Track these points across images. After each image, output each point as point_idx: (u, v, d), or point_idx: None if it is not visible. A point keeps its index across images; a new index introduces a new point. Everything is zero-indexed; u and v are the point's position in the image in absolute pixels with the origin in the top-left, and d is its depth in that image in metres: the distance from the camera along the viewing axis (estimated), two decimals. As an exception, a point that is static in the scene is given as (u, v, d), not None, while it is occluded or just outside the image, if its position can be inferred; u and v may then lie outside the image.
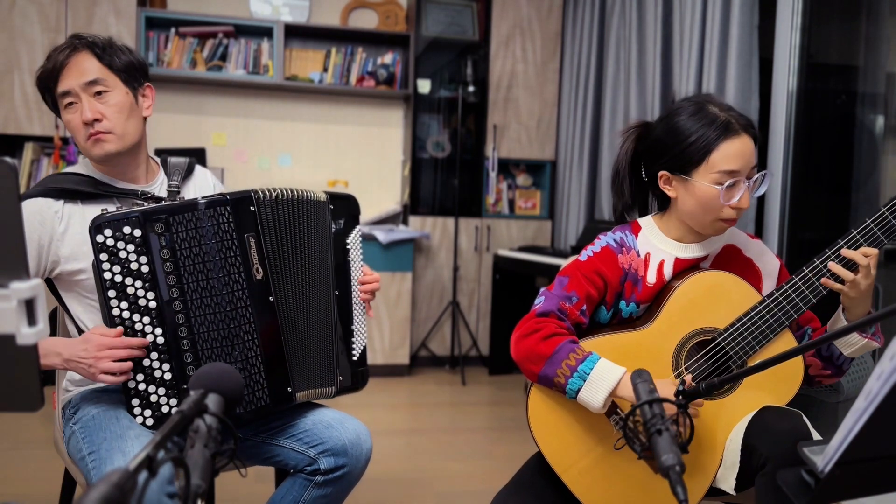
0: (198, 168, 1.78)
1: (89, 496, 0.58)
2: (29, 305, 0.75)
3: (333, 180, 4.67)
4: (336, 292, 1.65)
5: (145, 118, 1.63)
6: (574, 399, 1.37)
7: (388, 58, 4.57)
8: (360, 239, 1.74)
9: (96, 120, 1.51)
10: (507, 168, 4.82)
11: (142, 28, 4.13)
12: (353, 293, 1.70)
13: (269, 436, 1.60)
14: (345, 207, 1.69)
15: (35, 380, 0.79)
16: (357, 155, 4.75)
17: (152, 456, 0.68)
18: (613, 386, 1.33)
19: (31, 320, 0.75)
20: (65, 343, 1.40)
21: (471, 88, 4.58)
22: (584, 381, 1.34)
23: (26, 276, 0.75)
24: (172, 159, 1.72)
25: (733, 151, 1.39)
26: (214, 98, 4.51)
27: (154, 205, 1.45)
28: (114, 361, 1.35)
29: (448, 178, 4.75)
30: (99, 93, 1.52)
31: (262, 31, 4.40)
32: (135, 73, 1.58)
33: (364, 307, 1.73)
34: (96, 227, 1.37)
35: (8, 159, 0.73)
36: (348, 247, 1.70)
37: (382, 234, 4.22)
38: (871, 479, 0.87)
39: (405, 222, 4.61)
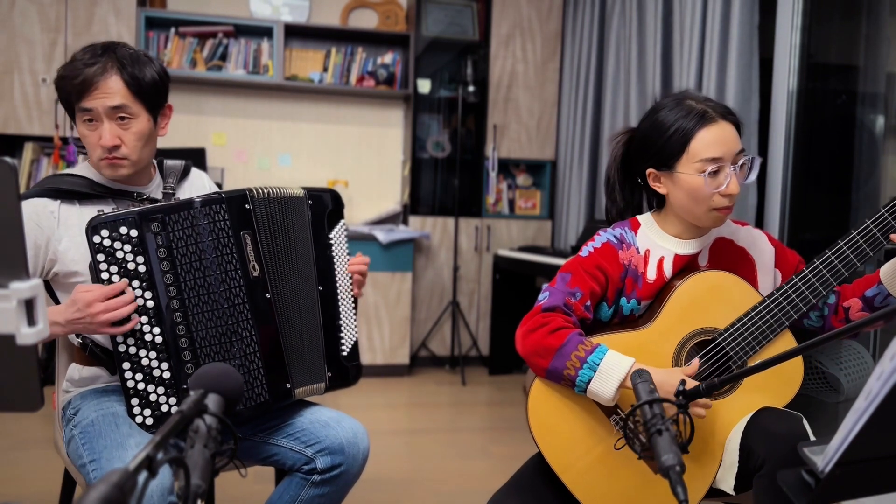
0: (193, 170, 1.79)
1: (89, 496, 0.58)
2: (29, 305, 0.75)
3: (333, 180, 4.67)
4: (320, 288, 1.65)
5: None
6: (583, 392, 1.37)
7: (388, 58, 4.57)
8: (346, 233, 1.72)
9: (115, 146, 1.51)
10: (507, 168, 4.82)
11: (142, 28, 4.13)
12: (340, 288, 1.68)
13: (266, 435, 1.60)
14: (325, 202, 1.67)
15: (35, 380, 0.79)
16: (357, 155, 4.75)
17: (152, 456, 0.68)
18: (624, 376, 1.33)
19: (31, 320, 0.75)
20: (57, 310, 1.39)
21: (471, 88, 4.57)
22: (595, 371, 1.34)
23: (26, 276, 0.75)
24: (169, 162, 1.72)
25: (711, 138, 1.40)
26: (214, 98, 4.51)
27: (150, 205, 1.45)
28: (111, 312, 1.36)
29: (448, 178, 4.74)
30: (122, 117, 1.50)
31: (262, 31, 4.40)
32: (159, 97, 1.57)
33: (353, 301, 1.71)
34: (93, 227, 1.38)
35: (8, 159, 0.73)
36: (331, 241, 1.68)
37: (382, 234, 4.22)
38: (871, 479, 0.87)
39: (405, 222, 4.61)
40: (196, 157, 4.32)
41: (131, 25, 4.05)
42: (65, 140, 3.99)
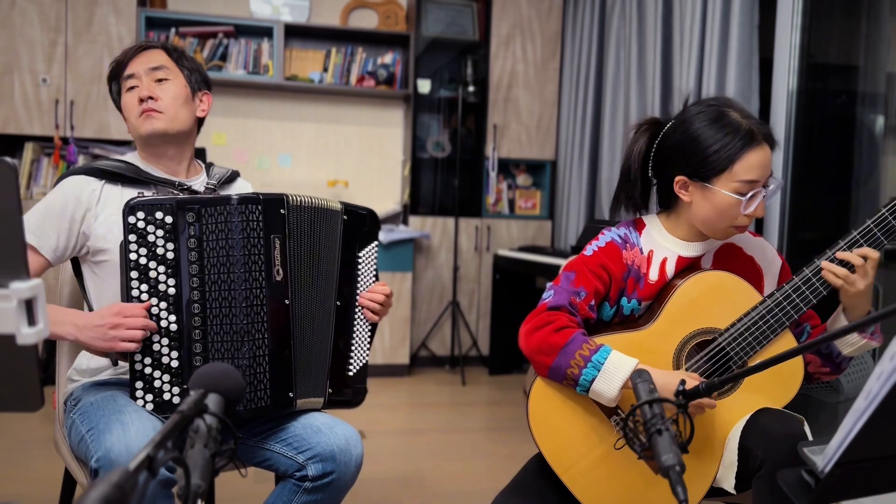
0: (240, 179, 1.84)
1: (89, 496, 0.58)
2: (29, 305, 0.75)
3: (333, 180, 4.67)
4: (338, 303, 1.64)
5: (200, 118, 1.74)
6: (586, 392, 1.37)
7: (388, 58, 4.57)
8: (376, 256, 1.72)
9: (150, 98, 1.60)
10: (507, 168, 4.82)
11: (142, 28, 4.13)
12: (358, 308, 1.68)
13: (259, 439, 1.60)
14: (360, 220, 1.69)
15: (35, 380, 0.79)
16: (357, 155, 4.75)
17: (152, 456, 0.68)
18: (627, 376, 1.33)
19: (31, 320, 0.75)
20: (80, 314, 1.43)
21: (471, 88, 4.57)
22: (599, 370, 1.34)
23: (26, 276, 0.75)
24: (217, 166, 1.80)
25: (756, 161, 1.40)
26: (214, 98, 4.47)
27: (189, 195, 1.51)
28: (128, 329, 1.38)
29: (448, 178, 4.75)
30: (160, 80, 1.63)
31: (262, 31, 4.40)
32: (197, 75, 1.72)
33: (370, 324, 1.71)
34: (130, 208, 1.41)
35: (8, 159, 0.73)
36: (359, 260, 1.69)
37: (382, 234, 4.22)
38: (871, 479, 0.87)
39: (405, 222, 4.61)
40: (196, 157, 4.31)
41: (131, 25, 4.05)
42: (65, 140, 3.99)
